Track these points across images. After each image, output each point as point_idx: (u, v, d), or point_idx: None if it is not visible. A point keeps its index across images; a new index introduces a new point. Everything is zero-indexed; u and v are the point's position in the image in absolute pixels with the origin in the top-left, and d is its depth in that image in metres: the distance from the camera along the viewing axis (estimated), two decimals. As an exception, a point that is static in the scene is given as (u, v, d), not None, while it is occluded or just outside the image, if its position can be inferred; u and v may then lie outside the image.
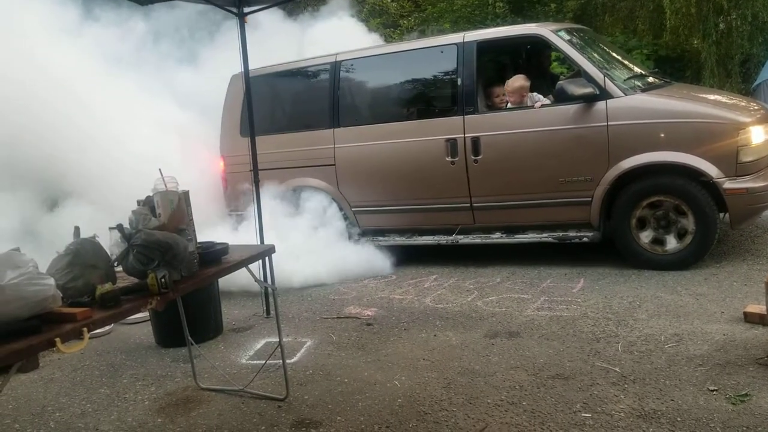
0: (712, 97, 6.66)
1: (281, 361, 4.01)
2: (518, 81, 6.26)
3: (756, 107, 6.24)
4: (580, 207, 5.97)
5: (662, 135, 5.57)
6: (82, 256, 2.90)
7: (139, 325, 5.66)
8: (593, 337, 4.42)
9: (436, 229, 6.72)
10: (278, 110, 7.58)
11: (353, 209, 6.96)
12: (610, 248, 6.08)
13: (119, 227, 3.07)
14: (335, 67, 7.01)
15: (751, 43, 14.24)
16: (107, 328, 5.44)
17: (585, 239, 6.00)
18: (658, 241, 5.79)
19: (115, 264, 3.06)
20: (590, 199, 5.90)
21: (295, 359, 4.58)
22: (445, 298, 5.66)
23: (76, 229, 3.05)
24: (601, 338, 4.38)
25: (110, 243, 3.14)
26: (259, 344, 5.04)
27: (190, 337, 4.33)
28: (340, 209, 7.01)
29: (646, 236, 5.82)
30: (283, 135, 7.20)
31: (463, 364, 4.21)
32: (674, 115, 5.61)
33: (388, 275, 6.59)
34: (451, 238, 6.56)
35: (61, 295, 2.69)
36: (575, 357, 4.12)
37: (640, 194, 5.76)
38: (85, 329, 2.55)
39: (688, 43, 15.70)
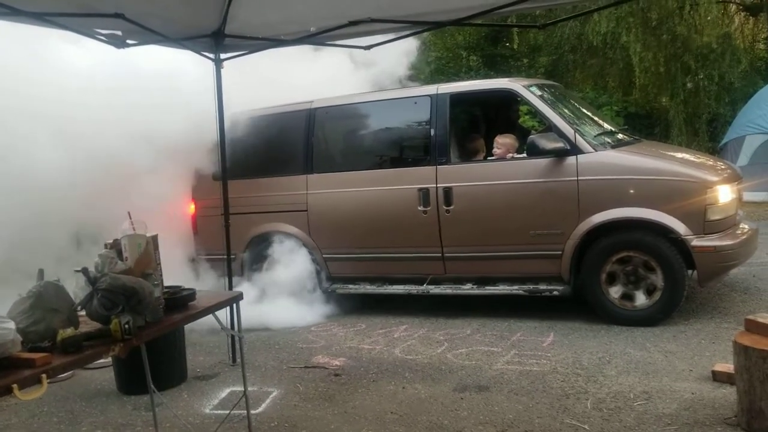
0: (680, 155, 6.79)
1: (246, 411, 3.92)
2: (509, 138, 6.40)
3: (723, 166, 6.37)
4: (551, 260, 5.99)
5: (632, 191, 5.65)
6: (45, 300, 2.82)
7: (101, 371, 5.48)
8: (563, 393, 4.39)
9: (407, 278, 6.68)
10: (252, 155, 7.54)
11: (324, 256, 6.91)
12: (580, 302, 6.10)
13: (84, 270, 2.99)
14: (311, 114, 7.03)
15: (718, 103, 14.71)
16: (68, 373, 5.27)
17: (555, 293, 6.01)
18: (628, 297, 5.81)
19: (79, 308, 2.97)
20: (561, 252, 5.93)
21: (260, 410, 4.47)
22: (414, 349, 5.60)
23: (40, 272, 2.97)
24: (570, 394, 4.35)
25: (75, 286, 3.06)
26: (224, 393, 4.92)
27: (152, 385, 4.20)
28: (311, 255, 6.96)
29: (615, 291, 5.84)
30: (255, 180, 7.16)
31: (431, 418, 4.14)
32: (643, 172, 5.70)
33: (358, 324, 6.52)
34: (422, 287, 6.53)
35: (21, 339, 2.61)
36: (544, 413, 4.08)
37: (610, 249, 5.80)
38: (44, 376, 2.46)
39: (656, 101, 16.15)
